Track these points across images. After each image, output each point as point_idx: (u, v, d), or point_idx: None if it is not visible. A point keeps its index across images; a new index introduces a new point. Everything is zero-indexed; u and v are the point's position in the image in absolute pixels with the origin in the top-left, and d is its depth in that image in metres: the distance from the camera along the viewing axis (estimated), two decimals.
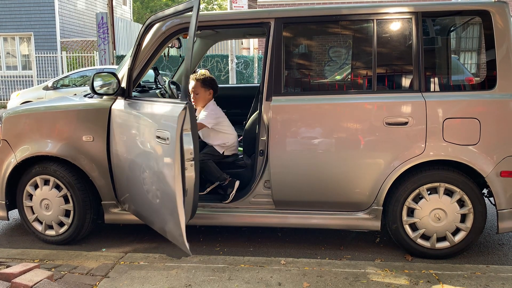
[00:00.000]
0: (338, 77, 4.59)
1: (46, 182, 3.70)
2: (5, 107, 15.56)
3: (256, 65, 16.00)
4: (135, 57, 3.45)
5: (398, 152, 3.28)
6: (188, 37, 2.79)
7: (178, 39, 4.21)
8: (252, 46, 17.15)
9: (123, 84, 3.50)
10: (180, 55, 5.08)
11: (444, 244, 3.36)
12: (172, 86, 4.38)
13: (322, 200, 3.45)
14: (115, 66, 12.69)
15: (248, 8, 16.66)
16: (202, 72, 4.06)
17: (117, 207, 3.67)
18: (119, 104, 3.50)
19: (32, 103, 4.17)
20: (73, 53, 17.10)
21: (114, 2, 19.30)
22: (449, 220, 3.30)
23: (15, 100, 11.75)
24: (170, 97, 4.22)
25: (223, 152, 3.81)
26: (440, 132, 3.23)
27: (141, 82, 4.17)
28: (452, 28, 3.96)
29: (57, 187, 3.68)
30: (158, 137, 2.91)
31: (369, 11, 3.36)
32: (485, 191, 3.53)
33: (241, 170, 3.74)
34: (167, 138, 2.80)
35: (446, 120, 3.22)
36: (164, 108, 2.99)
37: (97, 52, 16.00)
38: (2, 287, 2.68)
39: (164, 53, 4.33)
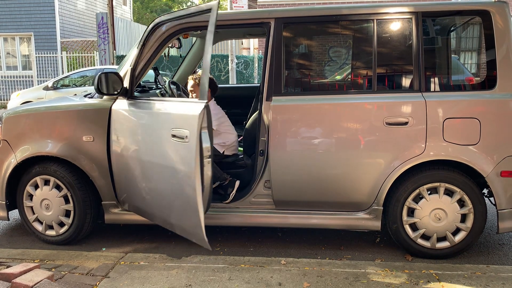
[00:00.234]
0: (338, 77, 4.59)
1: (47, 182, 3.70)
2: (5, 107, 15.57)
3: (256, 65, 16.00)
4: (138, 56, 3.45)
5: (398, 152, 3.28)
6: (206, 39, 2.84)
7: (178, 39, 4.22)
8: (252, 46, 17.14)
9: (126, 84, 3.50)
10: (181, 55, 5.08)
11: (444, 244, 3.36)
12: (172, 86, 4.38)
13: (322, 200, 3.45)
14: (115, 66, 12.69)
15: (248, 8, 16.66)
16: (199, 73, 4.06)
17: (117, 207, 3.67)
18: (121, 104, 3.50)
19: (32, 103, 4.17)
20: (73, 53, 17.10)
21: (114, 2, 19.31)
22: (449, 220, 3.30)
23: (15, 100, 11.75)
24: (170, 97, 4.22)
25: (223, 152, 3.81)
26: (440, 132, 3.23)
27: (141, 82, 4.18)
28: (452, 28, 3.96)
29: (57, 187, 3.68)
30: (174, 136, 2.95)
31: (369, 11, 3.36)
32: (485, 191, 3.53)
33: (241, 170, 3.74)
34: (186, 136, 2.85)
35: (446, 120, 3.22)
36: (181, 107, 3.01)
37: (97, 52, 16.00)
38: (3, 287, 2.68)
39: (164, 53, 4.33)
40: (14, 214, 4.27)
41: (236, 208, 3.57)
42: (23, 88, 16.60)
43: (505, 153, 3.21)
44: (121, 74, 3.58)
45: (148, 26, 3.49)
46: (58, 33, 17.95)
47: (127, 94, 3.49)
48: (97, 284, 2.94)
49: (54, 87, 11.69)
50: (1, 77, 17.58)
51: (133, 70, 3.46)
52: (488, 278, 2.96)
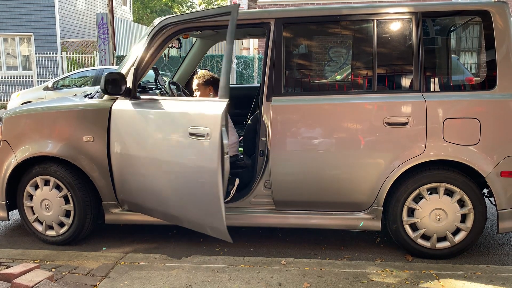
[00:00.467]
0: (338, 77, 4.60)
1: (47, 183, 3.70)
2: (5, 107, 15.57)
3: (256, 65, 16.00)
4: (143, 56, 3.46)
5: (399, 152, 3.28)
6: (227, 41, 2.96)
7: (178, 39, 4.22)
8: (252, 47, 17.15)
9: (129, 84, 3.50)
10: (180, 55, 5.09)
11: (445, 244, 3.36)
12: (172, 87, 4.38)
13: (322, 200, 3.45)
14: (115, 67, 12.70)
15: (248, 8, 16.67)
16: (202, 72, 4.08)
17: (117, 207, 3.67)
18: (122, 104, 3.49)
19: (32, 103, 4.17)
20: (73, 54, 17.10)
21: (114, 3, 19.30)
22: (450, 220, 3.30)
23: (15, 101, 11.75)
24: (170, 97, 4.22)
25: None
26: (440, 132, 3.23)
27: (141, 82, 4.17)
28: (452, 28, 3.96)
29: (58, 188, 3.68)
30: (192, 134, 3.02)
31: (369, 11, 3.36)
32: (485, 191, 3.53)
33: (241, 170, 3.74)
34: (207, 134, 2.95)
35: (446, 120, 3.22)
36: (199, 107, 3.11)
37: (97, 53, 16.01)
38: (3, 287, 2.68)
39: (164, 54, 4.34)
40: (14, 214, 4.27)
41: (236, 208, 3.57)
42: (23, 89, 16.60)
43: (505, 153, 3.20)
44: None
45: (154, 26, 3.49)
46: (58, 34, 17.95)
47: (130, 94, 3.49)
48: (97, 284, 2.94)
49: (54, 88, 11.70)
50: (1, 77, 17.58)
51: (136, 70, 3.46)
52: (488, 278, 2.96)
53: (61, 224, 3.74)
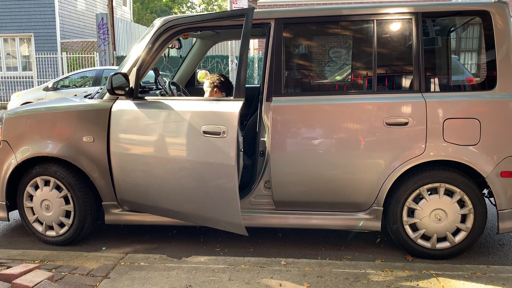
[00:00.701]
0: (338, 78, 4.61)
1: (47, 183, 3.70)
2: (5, 108, 15.57)
3: (256, 65, 16.00)
4: (145, 57, 3.47)
5: (399, 153, 3.28)
6: (240, 44, 3.08)
7: (178, 40, 4.22)
8: (252, 47, 17.16)
9: (131, 85, 3.49)
10: (181, 56, 5.09)
11: (445, 245, 3.36)
12: (172, 87, 4.38)
13: (322, 201, 3.45)
14: (115, 67, 12.70)
15: None
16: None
17: (117, 207, 3.67)
18: (124, 104, 3.48)
19: (33, 104, 4.17)
20: (73, 54, 17.11)
21: (114, 3, 19.31)
22: (450, 220, 3.30)
23: (15, 101, 11.75)
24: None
25: None
26: (440, 133, 3.23)
27: (141, 83, 4.17)
28: (452, 29, 3.97)
29: (58, 188, 3.68)
30: (206, 132, 3.11)
31: (369, 12, 3.37)
32: (485, 191, 3.53)
33: (242, 171, 3.74)
34: (223, 132, 3.07)
35: (446, 120, 3.22)
36: (214, 106, 3.21)
37: (97, 53, 16.02)
38: None
39: (164, 54, 4.34)
40: (14, 214, 4.27)
41: None
42: (23, 89, 16.60)
43: (505, 154, 3.21)
44: None
45: (159, 26, 3.49)
46: (58, 34, 17.96)
47: (133, 94, 3.49)
48: (97, 284, 2.94)
49: (54, 88, 11.70)
50: (1, 78, 17.58)
51: (139, 70, 3.47)
52: (488, 278, 2.96)
53: (61, 225, 3.74)
